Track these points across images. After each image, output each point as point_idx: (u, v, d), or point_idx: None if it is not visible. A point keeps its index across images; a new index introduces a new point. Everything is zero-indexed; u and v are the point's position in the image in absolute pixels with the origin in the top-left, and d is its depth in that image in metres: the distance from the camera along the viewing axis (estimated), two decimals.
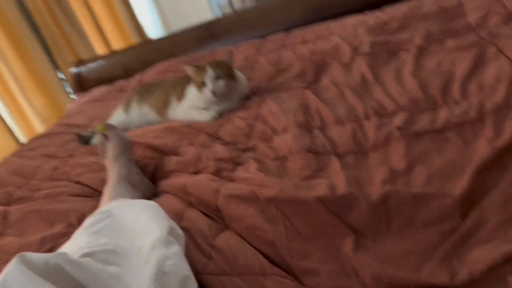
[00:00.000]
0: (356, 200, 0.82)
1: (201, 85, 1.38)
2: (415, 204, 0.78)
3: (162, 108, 1.51)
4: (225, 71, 1.38)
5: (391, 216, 0.79)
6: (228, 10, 3.82)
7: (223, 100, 1.41)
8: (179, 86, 1.51)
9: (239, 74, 1.49)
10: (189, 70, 1.43)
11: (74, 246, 0.76)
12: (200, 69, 1.39)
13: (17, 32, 2.43)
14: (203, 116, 1.39)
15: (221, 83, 1.36)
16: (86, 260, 0.66)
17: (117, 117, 1.60)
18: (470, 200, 0.77)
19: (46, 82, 2.53)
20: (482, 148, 0.86)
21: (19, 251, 1.00)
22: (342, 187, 0.85)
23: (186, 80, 1.51)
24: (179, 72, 1.92)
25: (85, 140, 1.55)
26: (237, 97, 1.45)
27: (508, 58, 1.12)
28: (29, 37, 2.49)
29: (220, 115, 1.40)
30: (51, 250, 0.99)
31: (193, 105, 1.44)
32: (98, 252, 0.70)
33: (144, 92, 1.59)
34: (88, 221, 0.84)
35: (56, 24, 2.72)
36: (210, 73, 1.36)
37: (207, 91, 1.36)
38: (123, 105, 1.62)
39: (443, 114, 1.01)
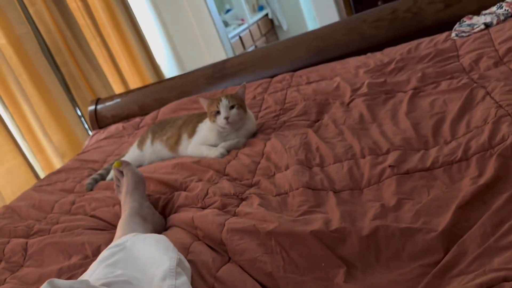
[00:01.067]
0: (348, 234, 0.89)
1: (214, 114, 1.48)
2: (402, 238, 0.85)
3: (174, 144, 1.60)
4: (238, 102, 1.50)
5: (380, 249, 0.85)
6: (240, 49, 3.98)
7: (233, 131, 1.51)
8: (191, 124, 1.61)
9: (249, 112, 1.60)
10: (203, 102, 1.55)
11: (93, 277, 0.84)
12: (214, 100, 1.50)
13: (39, 71, 2.57)
14: (213, 153, 1.47)
15: (234, 111, 1.47)
16: None
17: (132, 153, 1.70)
18: (453, 235, 0.83)
19: (65, 119, 2.66)
20: (467, 186, 0.93)
21: (39, 281, 1.09)
22: (336, 222, 0.92)
23: (197, 119, 1.62)
24: (192, 110, 2.03)
25: (100, 179, 1.64)
26: (245, 134, 1.55)
27: (495, 100, 1.19)
28: (50, 76, 2.64)
29: (228, 152, 1.49)
30: (68, 280, 1.06)
31: (203, 142, 1.54)
32: (115, 282, 0.78)
33: (157, 130, 1.69)
34: (104, 253, 0.92)
35: (76, 64, 2.88)
36: (224, 102, 1.47)
37: (221, 119, 1.47)
38: (137, 142, 1.72)
39: (433, 154, 1.08)
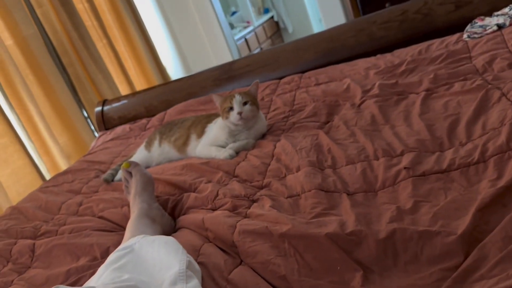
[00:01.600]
0: (364, 237, 0.86)
1: (228, 111, 1.47)
2: (420, 242, 0.83)
3: (182, 145, 1.59)
4: (251, 98, 1.50)
5: (398, 252, 0.83)
6: (246, 51, 3.97)
7: (244, 130, 1.50)
8: (199, 125, 1.60)
9: (260, 113, 1.58)
10: (216, 99, 1.54)
11: (99, 281, 0.82)
12: (227, 97, 1.50)
13: (45, 72, 2.56)
14: (221, 154, 1.46)
15: (248, 107, 1.47)
16: None
17: (139, 154, 1.68)
18: (473, 238, 0.81)
19: (71, 120, 2.65)
20: (485, 188, 0.90)
21: (46, 283, 1.07)
22: (351, 225, 0.90)
23: (206, 120, 1.60)
24: (199, 111, 2.02)
25: (111, 180, 1.62)
26: (255, 135, 1.53)
27: (511, 102, 1.17)
28: (56, 77, 2.63)
29: (237, 153, 1.47)
30: (76, 282, 1.05)
31: (212, 142, 1.52)
32: (122, 287, 0.76)
33: (165, 131, 1.67)
34: (111, 256, 0.90)
35: (82, 65, 2.87)
36: (237, 98, 1.47)
37: (234, 114, 1.46)
38: (145, 143, 1.70)
39: (449, 155, 1.06)
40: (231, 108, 1.47)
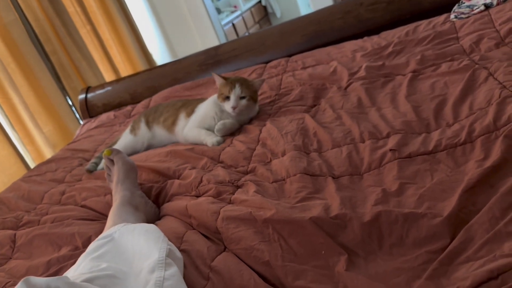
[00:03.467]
0: (349, 221, 0.85)
1: (224, 98, 1.45)
2: (406, 224, 0.81)
3: (171, 125, 1.56)
4: (251, 93, 1.47)
5: (383, 235, 0.81)
6: (233, 36, 3.92)
7: (237, 117, 1.47)
8: (190, 106, 1.57)
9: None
10: (217, 79, 1.51)
11: (77, 271, 0.80)
12: (229, 83, 1.46)
13: (28, 60, 2.50)
14: (210, 140, 1.43)
15: (244, 102, 1.45)
16: (86, 285, 0.69)
17: (124, 139, 1.65)
18: (459, 220, 0.79)
19: (55, 108, 2.59)
20: (472, 169, 0.89)
21: (27, 274, 1.04)
22: (336, 208, 0.88)
23: (197, 102, 1.59)
24: (184, 97, 1.99)
25: (94, 169, 1.59)
26: (244, 120, 1.51)
27: (499, 81, 1.15)
28: (39, 65, 2.57)
29: (224, 139, 1.44)
30: (57, 272, 1.03)
31: (201, 120, 1.50)
32: (99, 277, 0.73)
33: (152, 113, 1.64)
34: (91, 246, 0.88)
35: (65, 52, 2.81)
36: (237, 90, 1.43)
37: (228, 105, 1.44)
38: (130, 127, 1.67)
39: (435, 137, 1.04)
40: (228, 97, 1.44)
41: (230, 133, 1.47)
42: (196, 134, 1.48)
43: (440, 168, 0.94)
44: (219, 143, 1.41)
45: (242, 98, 1.44)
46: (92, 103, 2.40)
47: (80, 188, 1.42)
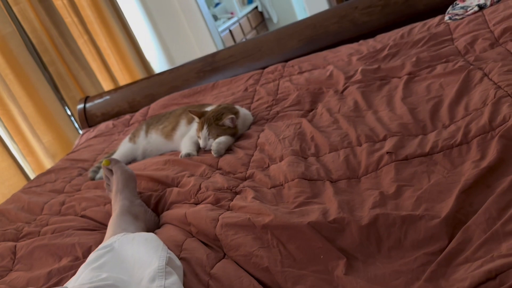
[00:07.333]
0: (347, 224, 0.85)
1: (198, 134, 1.44)
2: (404, 226, 0.81)
3: (171, 131, 1.56)
4: (219, 132, 1.40)
5: (381, 238, 0.81)
6: (230, 43, 3.93)
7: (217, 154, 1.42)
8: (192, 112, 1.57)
9: (245, 112, 1.55)
10: (194, 117, 1.49)
11: (78, 281, 0.80)
12: (200, 123, 1.43)
13: (26, 71, 2.51)
14: (182, 151, 1.43)
15: (211, 142, 1.39)
16: None
17: (123, 148, 1.66)
18: (457, 221, 0.79)
19: (54, 119, 2.60)
20: (469, 170, 0.89)
21: (28, 285, 1.04)
22: (334, 212, 0.88)
23: (199, 107, 1.59)
24: (182, 104, 1.99)
25: (94, 176, 1.59)
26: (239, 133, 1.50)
27: (494, 82, 1.15)
28: (37, 76, 2.58)
29: (198, 153, 1.44)
30: (58, 283, 1.03)
31: (193, 132, 1.49)
32: (99, 287, 0.74)
33: (153, 122, 1.65)
34: (91, 256, 0.88)
35: (63, 62, 2.82)
36: (204, 132, 1.41)
37: (201, 144, 1.43)
38: (130, 136, 1.68)
39: (431, 138, 1.04)
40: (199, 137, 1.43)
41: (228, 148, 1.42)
42: (183, 144, 1.49)
43: (437, 170, 0.94)
44: (187, 156, 1.41)
45: (209, 138, 1.40)
46: (90, 112, 2.41)
47: (79, 198, 1.42)
